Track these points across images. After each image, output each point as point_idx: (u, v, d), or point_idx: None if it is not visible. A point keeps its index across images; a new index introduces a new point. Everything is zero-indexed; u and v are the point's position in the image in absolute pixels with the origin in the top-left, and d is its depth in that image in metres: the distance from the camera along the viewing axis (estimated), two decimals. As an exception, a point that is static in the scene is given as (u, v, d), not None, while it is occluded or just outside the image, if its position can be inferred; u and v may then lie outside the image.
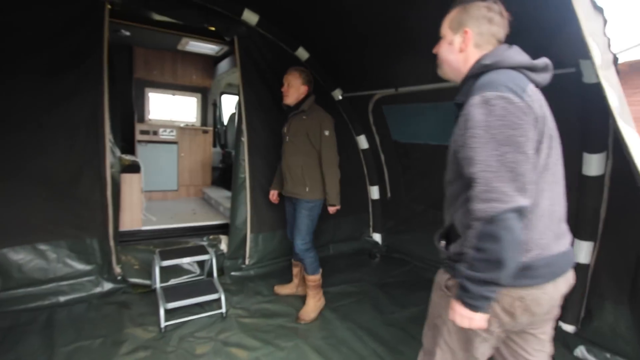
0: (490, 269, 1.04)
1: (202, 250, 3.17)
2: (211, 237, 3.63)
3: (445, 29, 1.32)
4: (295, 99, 2.76)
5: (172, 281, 3.24)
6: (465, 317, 1.12)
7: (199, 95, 5.36)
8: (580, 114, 2.25)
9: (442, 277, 1.32)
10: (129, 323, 2.66)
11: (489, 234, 1.02)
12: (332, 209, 2.82)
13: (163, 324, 2.59)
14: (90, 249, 2.94)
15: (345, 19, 2.82)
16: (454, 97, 1.27)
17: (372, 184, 4.20)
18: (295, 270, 3.18)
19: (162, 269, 3.00)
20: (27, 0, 2.44)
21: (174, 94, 5.22)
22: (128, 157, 3.48)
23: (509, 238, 1.01)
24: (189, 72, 5.03)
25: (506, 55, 1.18)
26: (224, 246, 3.57)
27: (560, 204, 1.22)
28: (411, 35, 2.52)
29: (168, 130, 4.73)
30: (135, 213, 3.48)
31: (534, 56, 1.22)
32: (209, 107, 5.48)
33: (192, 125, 5.29)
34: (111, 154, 3.19)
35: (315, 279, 2.96)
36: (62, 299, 2.83)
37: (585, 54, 1.36)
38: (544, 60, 1.21)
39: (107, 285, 3.01)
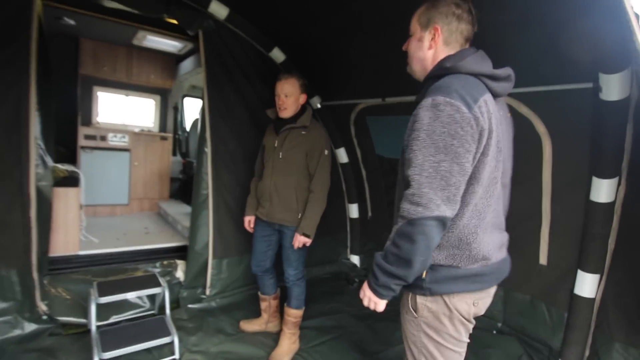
0: (400, 265, 1.10)
1: (152, 282, 2.64)
2: (165, 262, 3.10)
3: (414, 24, 1.30)
4: (294, 111, 2.36)
5: (114, 318, 2.68)
6: (372, 300, 1.22)
7: (158, 97, 4.77)
8: (592, 135, 2.03)
9: (404, 298, 1.32)
10: (51, 379, 2.11)
11: (407, 234, 1.08)
12: (301, 240, 2.34)
13: (97, 379, 2.06)
14: (7, 283, 2.34)
15: (326, 17, 2.47)
16: None
17: (351, 202, 3.84)
18: (263, 305, 2.73)
19: (103, 305, 2.46)
20: None
21: (127, 95, 4.59)
22: (64, 168, 2.89)
23: (423, 243, 1.06)
24: (146, 71, 4.44)
25: (469, 60, 1.17)
26: (180, 273, 3.05)
27: (502, 216, 1.31)
28: (402, 39, 2.20)
29: (119, 135, 4.11)
30: (70, 235, 2.89)
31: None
32: (169, 111, 4.90)
33: (149, 131, 4.69)
34: (41, 164, 2.62)
35: (298, 314, 2.56)
36: (-36, 347, 2.21)
37: (609, 68, 1.16)
38: (506, 70, 1.22)
39: (29, 327, 2.42)
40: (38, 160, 2.61)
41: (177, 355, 2.33)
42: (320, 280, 3.73)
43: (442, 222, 1.06)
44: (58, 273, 2.74)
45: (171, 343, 2.35)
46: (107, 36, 3.90)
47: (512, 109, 2.18)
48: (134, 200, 4.36)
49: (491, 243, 1.22)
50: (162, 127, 4.88)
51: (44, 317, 2.45)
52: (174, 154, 4.89)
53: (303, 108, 2.41)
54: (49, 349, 2.33)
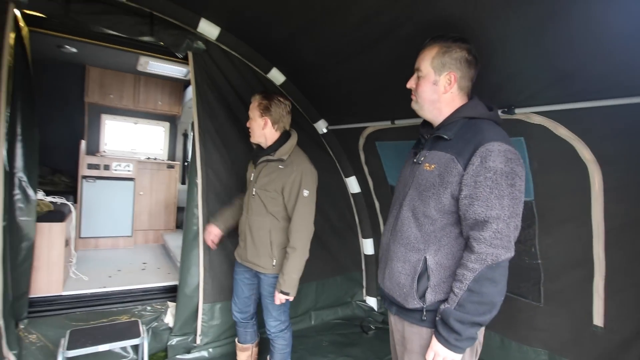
0: (483, 312, 1.11)
1: (132, 331, 2.35)
2: (156, 304, 2.82)
3: (426, 66, 1.32)
4: (262, 137, 2.05)
5: (93, 369, 2.39)
6: (448, 359, 1.14)
7: (167, 124, 4.66)
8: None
9: (422, 337, 1.27)
10: None
11: (490, 278, 1.10)
12: (279, 297, 1.97)
13: None
14: (-28, 330, 2.12)
15: (328, 34, 2.17)
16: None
17: (366, 237, 3.43)
18: (244, 355, 2.38)
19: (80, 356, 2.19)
20: None
21: (136, 123, 4.51)
22: (49, 201, 2.72)
23: (504, 283, 1.12)
24: (153, 98, 4.35)
25: (495, 111, 1.31)
26: (170, 318, 2.74)
27: None
28: (411, 58, 1.84)
29: (123, 164, 3.97)
30: (54, 273, 2.68)
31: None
32: (178, 139, 4.77)
33: (155, 159, 4.56)
34: (23, 198, 2.45)
35: None
36: None
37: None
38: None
39: (-4, 381, 2.17)
40: (20, 194, 2.46)
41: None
42: (331, 326, 3.30)
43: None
44: (37, 316, 2.52)
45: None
46: (111, 63, 3.84)
47: (544, 132, 1.77)
48: (138, 232, 4.18)
49: None
50: (172, 154, 4.74)
51: (11, 370, 2.20)
52: (183, 182, 4.72)
53: (286, 136, 2.07)
54: (12, 409, 2.07)
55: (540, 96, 1.68)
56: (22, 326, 2.40)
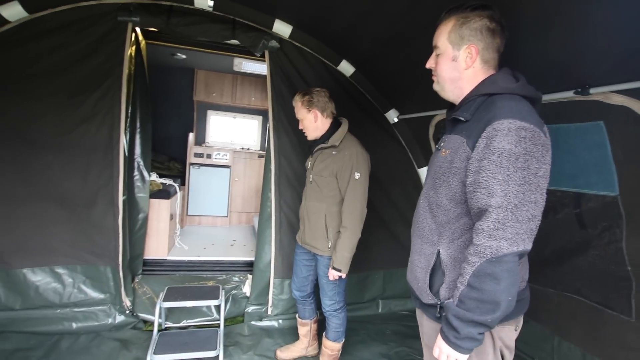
0: (484, 310, 1.00)
1: (213, 294, 2.76)
2: (238, 276, 3.22)
3: (444, 42, 1.20)
4: (316, 131, 2.21)
5: (185, 322, 2.89)
6: (450, 356, 1.07)
7: (260, 117, 5.16)
8: None
9: (438, 333, 1.16)
10: (119, 368, 2.37)
11: (490, 273, 0.99)
12: (333, 274, 2.13)
13: (148, 378, 2.22)
14: (104, 277, 2.76)
15: (395, 23, 2.17)
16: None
17: (437, 229, 3.31)
18: (304, 330, 2.58)
19: (176, 308, 2.76)
20: (54, 26, 2.42)
21: (235, 117, 5.12)
22: (160, 181, 3.32)
23: (509, 280, 0.98)
24: (248, 94, 4.86)
25: (522, 81, 1.14)
26: (247, 288, 3.11)
27: None
28: None
29: (222, 153, 4.58)
30: (161, 241, 3.28)
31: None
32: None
33: (248, 149, 5.10)
34: (140, 178, 3.06)
35: (335, 347, 2.35)
36: (74, 325, 2.69)
37: None
38: (540, 94, 1.17)
39: (119, 318, 2.79)
40: (138, 175, 3.08)
41: (219, 371, 2.35)
42: (398, 317, 3.29)
43: (523, 256, 1.02)
44: (148, 274, 3.13)
45: (217, 357, 2.38)
46: (213, 65, 4.43)
47: (628, 115, 1.49)
48: (233, 213, 4.77)
49: (525, 264, 1.21)
50: (263, 145, 5.24)
51: (127, 312, 2.80)
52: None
53: (337, 124, 2.17)
54: (126, 341, 2.64)
55: (621, 72, 1.43)
56: (137, 280, 3.02)
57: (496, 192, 0.98)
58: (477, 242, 1.01)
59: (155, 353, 2.29)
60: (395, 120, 3.09)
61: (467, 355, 1.07)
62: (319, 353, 2.54)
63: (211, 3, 2.51)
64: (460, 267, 1.12)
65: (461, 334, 1.03)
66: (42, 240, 2.64)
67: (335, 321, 2.31)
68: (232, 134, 5.17)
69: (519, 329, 1.24)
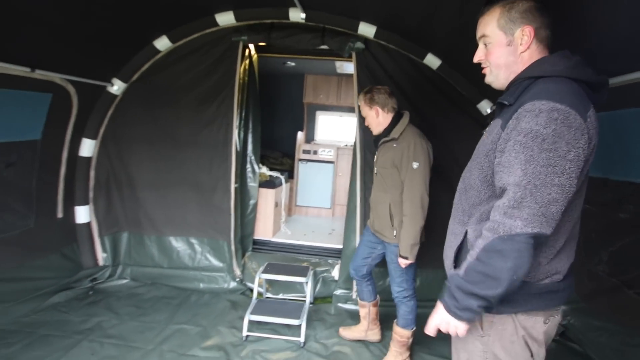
0: (486, 285, 1.01)
1: (302, 272, 3.13)
2: (330, 260, 3.53)
3: (493, 29, 1.17)
4: (380, 126, 2.33)
5: (282, 295, 3.34)
6: (451, 325, 1.10)
7: (364, 116, 5.38)
8: None
9: None
10: (227, 322, 2.93)
11: (499, 250, 0.99)
12: (401, 262, 2.21)
13: (245, 332, 2.71)
14: (222, 250, 3.43)
15: (464, 3, 2.14)
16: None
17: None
18: (363, 311, 2.69)
19: (276, 282, 3.25)
20: (188, 51, 3.15)
21: (341, 116, 5.45)
22: (269, 173, 3.88)
23: (517, 261, 0.97)
24: (351, 94, 5.12)
25: (573, 63, 1.08)
26: (336, 273, 3.39)
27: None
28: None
29: (327, 150, 4.97)
30: (267, 225, 3.83)
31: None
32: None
33: (351, 146, 5.37)
34: (251, 170, 3.67)
35: (404, 333, 2.41)
36: (201, 285, 3.43)
37: None
38: (605, 78, 1.11)
39: (232, 284, 3.42)
40: (250, 167, 3.69)
41: (301, 339, 2.67)
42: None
43: (539, 240, 0.98)
44: (257, 251, 3.72)
45: (299, 326, 2.72)
46: (320, 70, 4.84)
47: None
48: (336, 205, 5.11)
49: (565, 258, 1.14)
50: (369, 142, 5.45)
51: (238, 280, 3.40)
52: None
53: (398, 117, 2.24)
54: (235, 303, 3.23)
55: None
56: (247, 255, 3.62)
57: (516, 171, 0.98)
58: (492, 218, 1.02)
59: (251, 313, 2.76)
60: (489, 111, 2.91)
61: (465, 324, 1.08)
62: (382, 340, 2.66)
63: (303, 15, 2.85)
64: None
65: (460, 303, 1.05)
66: (182, 216, 3.44)
67: (405, 308, 2.37)
68: (338, 131, 5.54)
69: (550, 323, 1.16)
